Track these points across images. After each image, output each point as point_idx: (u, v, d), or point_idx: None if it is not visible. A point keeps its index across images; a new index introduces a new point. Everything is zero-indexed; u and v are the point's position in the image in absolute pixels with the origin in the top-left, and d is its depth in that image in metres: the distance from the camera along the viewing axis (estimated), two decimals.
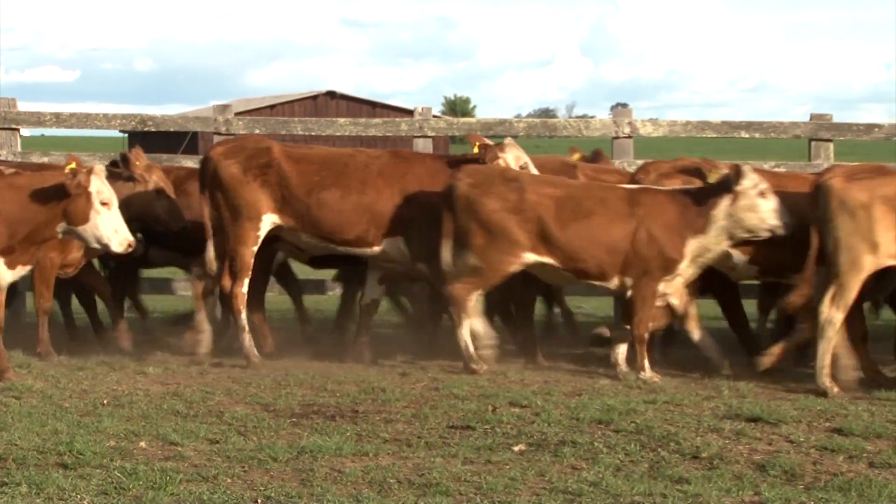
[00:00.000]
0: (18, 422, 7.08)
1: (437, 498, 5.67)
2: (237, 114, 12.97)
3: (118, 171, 9.59)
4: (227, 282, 9.37)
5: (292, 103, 47.47)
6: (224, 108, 12.19)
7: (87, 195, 8.40)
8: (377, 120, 12.73)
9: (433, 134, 12.06)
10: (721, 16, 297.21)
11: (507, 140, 9.89)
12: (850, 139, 12.25)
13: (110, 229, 8.49)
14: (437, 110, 61.89)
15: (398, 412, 7.50)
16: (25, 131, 13.48)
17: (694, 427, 7.07)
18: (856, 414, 7.48)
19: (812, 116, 11.97)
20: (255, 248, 9.40)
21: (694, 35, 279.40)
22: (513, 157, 9.63)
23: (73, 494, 5.67)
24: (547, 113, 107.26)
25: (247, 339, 9.34)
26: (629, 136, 11.84)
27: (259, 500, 5.65)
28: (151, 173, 9.75)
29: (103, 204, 8.44)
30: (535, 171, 9.69)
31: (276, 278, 10.80)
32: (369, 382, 8.49)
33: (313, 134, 12.67)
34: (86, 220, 8.44)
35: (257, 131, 12.82)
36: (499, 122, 12.67)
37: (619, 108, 12.57)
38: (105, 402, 7.77)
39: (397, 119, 13.37)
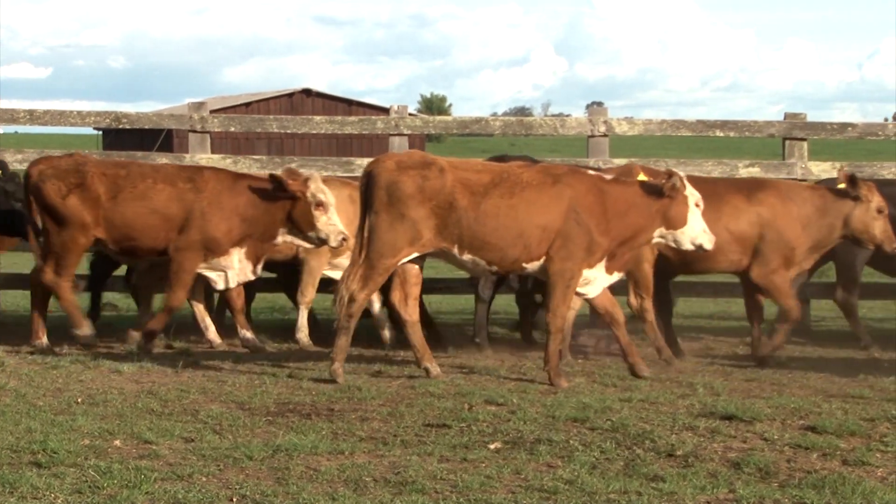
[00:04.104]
0: None
1: (412, 496, 5.67)
2: (212, 112, 12.94)
3: (843, 189, 9.68)
4: None
5: (268, 101, 47.31)
6: (199, 106, 12.17)
7: (684, 199, 8.59)
8: (353, 118, 12.73)
9: (409, 132, 12.06)
10: (694, 15, 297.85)
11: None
12: (824, 138, 12.33)
13: (701, 230, 8.67)
14: (413, 108, 61.87)
15: (374, 410, 7.50)
16: None
17: (669, 425, 7.08)
18: (829, 412, 7.51)
19: (786, 116, 12.03)
20: None
21: (667, 34, 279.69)
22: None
23: (47, 493, 5.64)
24: (523, 111, 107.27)
25: None
26: (605, 135, 11.87)
27: (234, 499, 5.63)
28: (872, 192, 9.69)
29: (696, 206, 8.63)
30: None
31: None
32: (345, 380, 8.48)
33: (289, 132, 12.66)
34: (683, 222, 8.61)
35: (233, 129, 12.82)
36: (475, 121, 12.68)
37: (595, 107, 12.59)
38: (79, 400, 7.74)
39: (373, 117, 13.38)
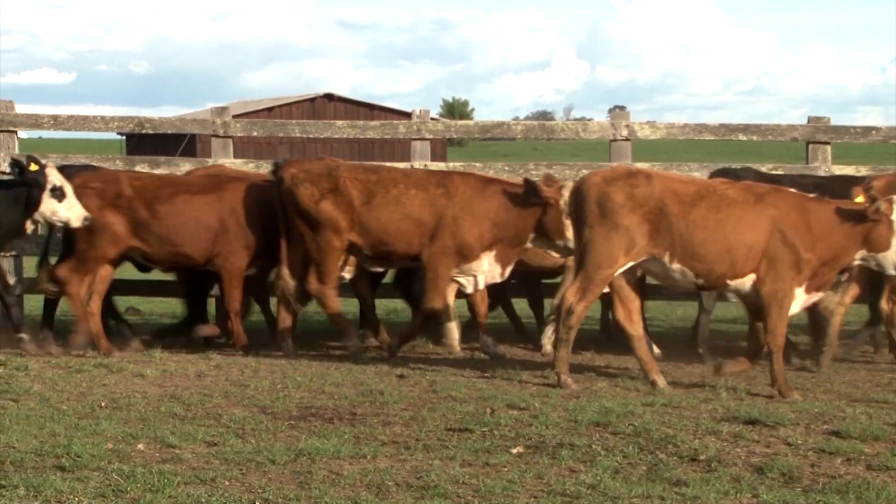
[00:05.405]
0: (16, 424, 7.08)
1: (435, 500, 5.67)
2: (235, 116, 12.99)
3: None
4: None
5: (290, 105, 47.44)
6: (222, 111, 12.21)
7: (889, 223, 8.57)
8: (375, 122, 12.76)
9: (431, 136, 12.08)
10: (716, 18, 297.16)
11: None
12: (847, 142, 12.28)
13: None
14: (435, 112, 61.86)
15: (396, 414, 7.50)
16: (23, 133, 13.50)
17: (692, 429, 7.06)
18: (853, 416, 7.48)
19: (810, 119, 12.00)
20: None
21: (689, 37, 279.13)
22: None
23: (71, 497, 5.66)
24: (545, 115, 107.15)
25: None
26: (627, 139, 11.86)
27: (257, 503, 5.65)
28: None
29: None
30: None
31: None
32: (367, 385, 8.49)
33: (311, 136, 12.70)
34: (887, 247, 8.61)
35: (255, 134, 12.86)
36: (497, 125, 12.68)
37: (617, 111, 12.59)
38: (103, 404, 7.77)
39: (395, 122, 13.39)
